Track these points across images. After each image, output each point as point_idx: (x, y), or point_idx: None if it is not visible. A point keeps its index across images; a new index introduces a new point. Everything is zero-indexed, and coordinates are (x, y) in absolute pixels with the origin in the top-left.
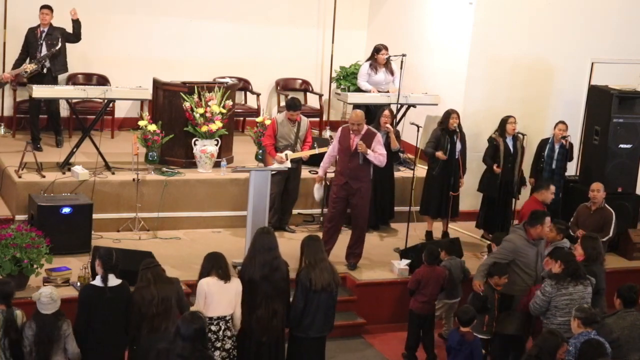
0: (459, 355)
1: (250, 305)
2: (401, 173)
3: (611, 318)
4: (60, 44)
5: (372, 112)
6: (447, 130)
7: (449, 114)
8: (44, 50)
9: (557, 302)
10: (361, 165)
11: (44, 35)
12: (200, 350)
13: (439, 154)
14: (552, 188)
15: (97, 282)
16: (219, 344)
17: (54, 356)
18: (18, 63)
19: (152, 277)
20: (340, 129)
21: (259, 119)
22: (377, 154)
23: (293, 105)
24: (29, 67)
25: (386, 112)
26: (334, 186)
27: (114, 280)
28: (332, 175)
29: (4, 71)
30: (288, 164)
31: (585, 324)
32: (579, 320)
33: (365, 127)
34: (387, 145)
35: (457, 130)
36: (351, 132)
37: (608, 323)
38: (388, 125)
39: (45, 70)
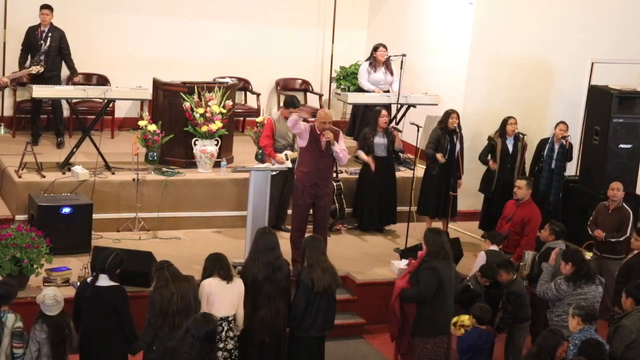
0: (483, 353)
1: (253, 305)
2: (401, 173)
3: (627, 319)
4: (60, 42)
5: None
6: (447, 130)
7: (448, 114)
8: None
9: (571, 301)
10: (331, 165)
11: (44, 35)
12: (207, 351)
13: (439, 156)
14: (516, 182)
15: (89, 279)
16: (221, 345)
17: (66, 353)
18: (21, 62)
19: (170, 276)
20: (309, 126)
21: (259, 119)
22: (342, 150)
23: (292, 104)
24: (34, 68)
25: (383, 111)
26: (298, 190)
27: (105, 282)
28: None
29: (4, 72)
30: (289, 164)
31: (585, 320)
32: (578, 317)
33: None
34: (390, 144)
35: (457, 130)
36: (319, 131)
37: (626, 325)
38: (393, 125)
39: (40, 73)
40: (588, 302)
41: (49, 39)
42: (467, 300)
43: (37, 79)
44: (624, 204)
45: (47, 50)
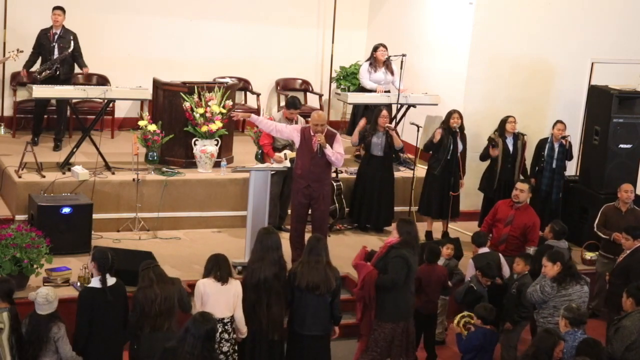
0: (487, 353)
1: (266, 304)
2: (401, 173)
3: (628, 320)
4: (72, 47)
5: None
6: (449, 130)
7: (450, 114)
8: (56, 53)
9: (556, 303)
10: (324, 167)
11: (56, 37)
12: (208, 350)
13: (438, 131)
14: (518, 185)
15: (96, 283)
16: (215, 346)
17: (42, 357)
18: (28, 64)
19: (154, 277)
20: (300, 127)
21: None
22: (336, 153)
23: (293, 104)
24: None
25: (384, 112)
26: (294, 191)
27: (111, 281)
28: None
29: (4, 73)
30: (287, 163)
31: (573, 324)
32: (566, 320)
33: (326, 128)
34: (389, 144)
35: (457, 130)
36: (313, 133)
37: (626, 325)
38: (389, 124)
39: (58, 73)
40: (573, 303)
41: (60, 41)
42: (472, 301)
43: (52, 82)
44: (634, 205)
45: (60, 53)
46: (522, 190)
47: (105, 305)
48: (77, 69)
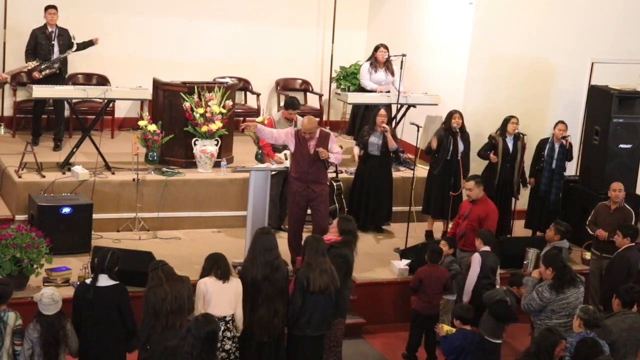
0: (469, 354)
1: (252, 305)
2: (401, 173)
3: (611, 319)
4: (75, 47)
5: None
6: (450, 131)
7: (451, 114)
8: (56, 51)
9: (554, 306)
10: (321, 168)
11: (54, 35)
12: (207, 352)
13: (434, 138)
14: (465, 184)
15: (88, 280)
16: (218, 345)
17: (60, 355)
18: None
19: (164, 276)
20: (294, 131)
21: (258, 119)
22: (336, 154)
23: (292, 104)
24: (30, 64)
25: (382, 111)
26: (291, 193)
27: (105, 281)
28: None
29: (3, 71)
30: (287, 164)
31: (587, 325)
32: (581, 320)
33: (318, 129)
34: (384, 144)
35: (458, 130)
36: (306, 137)
37: (607, 325)
38: (385, 125)
39: (58, 72)
40: (571, 304)
41: (60, 39)
42: (499, 312)
43: (56, 79)
44: (625, 204)
45: (61, 51)
46: (470, 189)
47: (87, 303)
48: (77, 69)
